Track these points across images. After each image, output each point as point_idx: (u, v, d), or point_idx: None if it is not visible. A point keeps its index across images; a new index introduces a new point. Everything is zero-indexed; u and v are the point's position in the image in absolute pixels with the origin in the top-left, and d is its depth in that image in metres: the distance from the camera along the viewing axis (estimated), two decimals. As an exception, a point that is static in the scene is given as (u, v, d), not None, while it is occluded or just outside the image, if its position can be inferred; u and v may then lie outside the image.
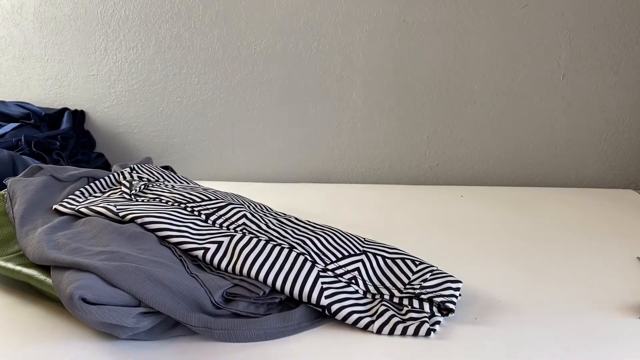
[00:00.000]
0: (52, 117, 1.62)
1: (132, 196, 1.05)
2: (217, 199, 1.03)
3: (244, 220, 0.99)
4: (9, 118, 1.58)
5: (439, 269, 0.92)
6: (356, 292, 0.86)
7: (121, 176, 1.14)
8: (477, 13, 1.48)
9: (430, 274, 0.90)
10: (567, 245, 1.11)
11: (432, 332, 0.79)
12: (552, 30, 1.47)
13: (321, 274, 0.86)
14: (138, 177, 1.14)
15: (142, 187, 1.08)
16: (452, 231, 1.20)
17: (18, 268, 0.87)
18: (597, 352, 0.76)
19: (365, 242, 1.00)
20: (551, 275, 0.98)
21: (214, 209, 1.00)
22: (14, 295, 0.88)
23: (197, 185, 1.18)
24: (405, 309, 0.83)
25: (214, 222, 0.97)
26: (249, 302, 0.80)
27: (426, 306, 0.83)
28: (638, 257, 1.03)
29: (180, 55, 1.60)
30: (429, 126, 1.56)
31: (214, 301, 0.78)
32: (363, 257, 0.94)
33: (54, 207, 1.01)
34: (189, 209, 0.98)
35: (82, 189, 1.08)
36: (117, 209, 0.96)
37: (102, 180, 1.13)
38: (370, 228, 1.19)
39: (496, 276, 0.97)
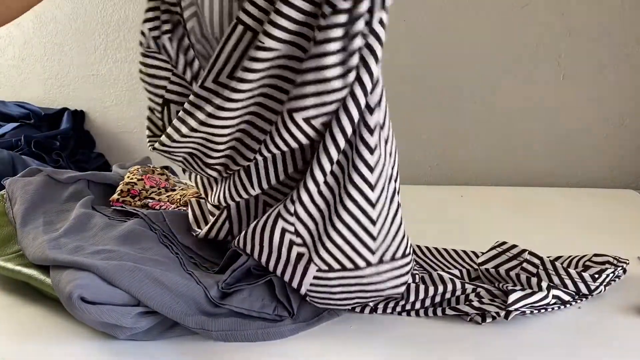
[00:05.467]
0: (52, 117, 1.62)
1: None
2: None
3: None
4: (9, 118, 1.58)
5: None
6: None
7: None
8: (477, 13, 1.48)
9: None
10: (567, 245, 1.11)
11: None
12: (552, 30, 1.47)
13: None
14: None
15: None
16: (452, 231, 1.20)
17: (18, 268, 0.86)
18: (597, 352, 0.76)
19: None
20: (551, 275, 0.97)
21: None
22: (13, 295, 0.88)
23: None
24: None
25: None
26: (244, 295, 0.80)
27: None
28: (638, 257, 1.03)
29: (180, 55, 1.60)
30: (429, 126, 1.56)
31: (210, 297, 0.78)
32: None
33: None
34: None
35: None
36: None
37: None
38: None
39: (496, 276, 0.97)
